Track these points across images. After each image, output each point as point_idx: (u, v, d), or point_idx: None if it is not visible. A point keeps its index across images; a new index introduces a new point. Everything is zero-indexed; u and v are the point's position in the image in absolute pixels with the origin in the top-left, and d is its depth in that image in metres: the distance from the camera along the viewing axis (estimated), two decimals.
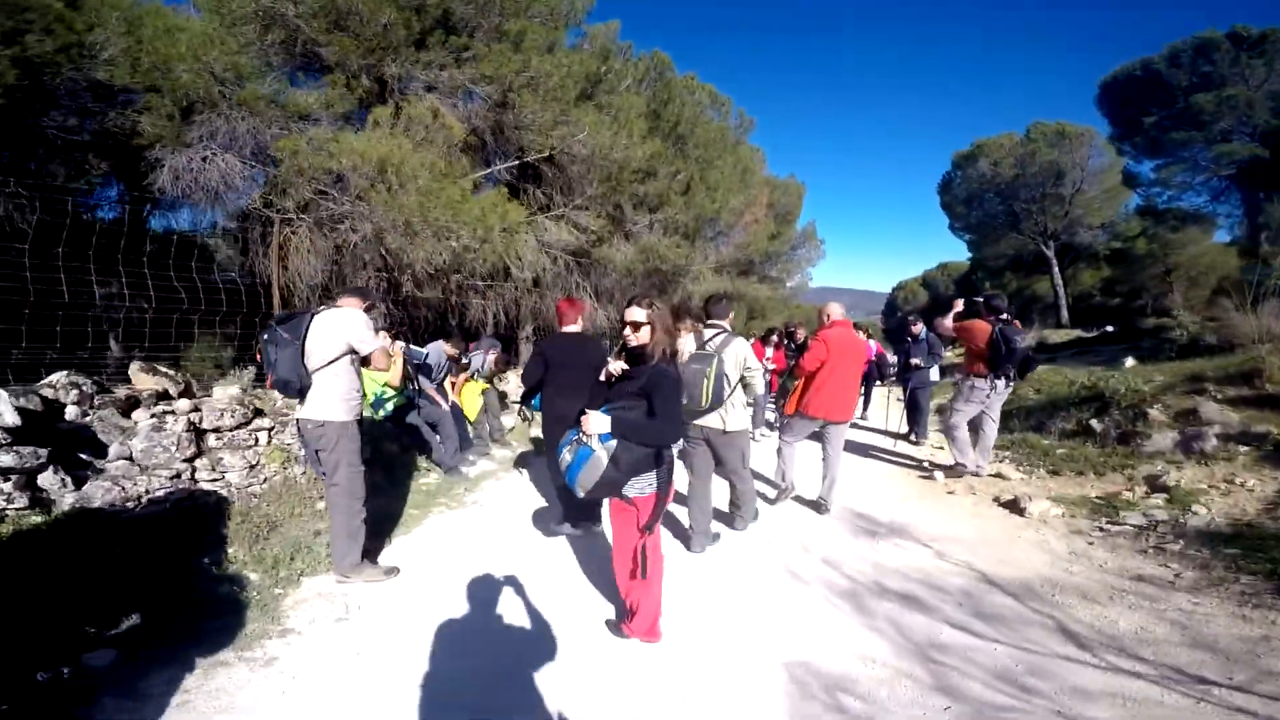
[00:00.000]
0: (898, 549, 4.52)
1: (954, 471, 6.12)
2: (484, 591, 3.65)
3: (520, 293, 11.96)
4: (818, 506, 5.26)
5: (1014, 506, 5.24)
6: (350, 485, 3.68)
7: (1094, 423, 6.76)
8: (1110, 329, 18.86)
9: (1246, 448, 5.57)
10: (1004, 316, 5.79)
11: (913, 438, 7.97)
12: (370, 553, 3.93)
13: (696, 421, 4.20)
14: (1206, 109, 18.16)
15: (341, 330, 3.63)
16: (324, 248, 9.08)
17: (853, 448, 5.15)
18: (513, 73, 9.57)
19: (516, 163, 11.98)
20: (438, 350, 6.56)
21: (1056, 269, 27.41)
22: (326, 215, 8.33)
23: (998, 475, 6.09)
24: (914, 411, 8.07)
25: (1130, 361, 9.45)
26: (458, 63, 9.99)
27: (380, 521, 4.48)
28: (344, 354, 3.65)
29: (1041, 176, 25.39)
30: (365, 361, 3.77)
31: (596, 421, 2.50)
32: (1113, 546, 4.45)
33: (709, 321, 4.40)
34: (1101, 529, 4.76)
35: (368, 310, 3.99)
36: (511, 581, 3.76)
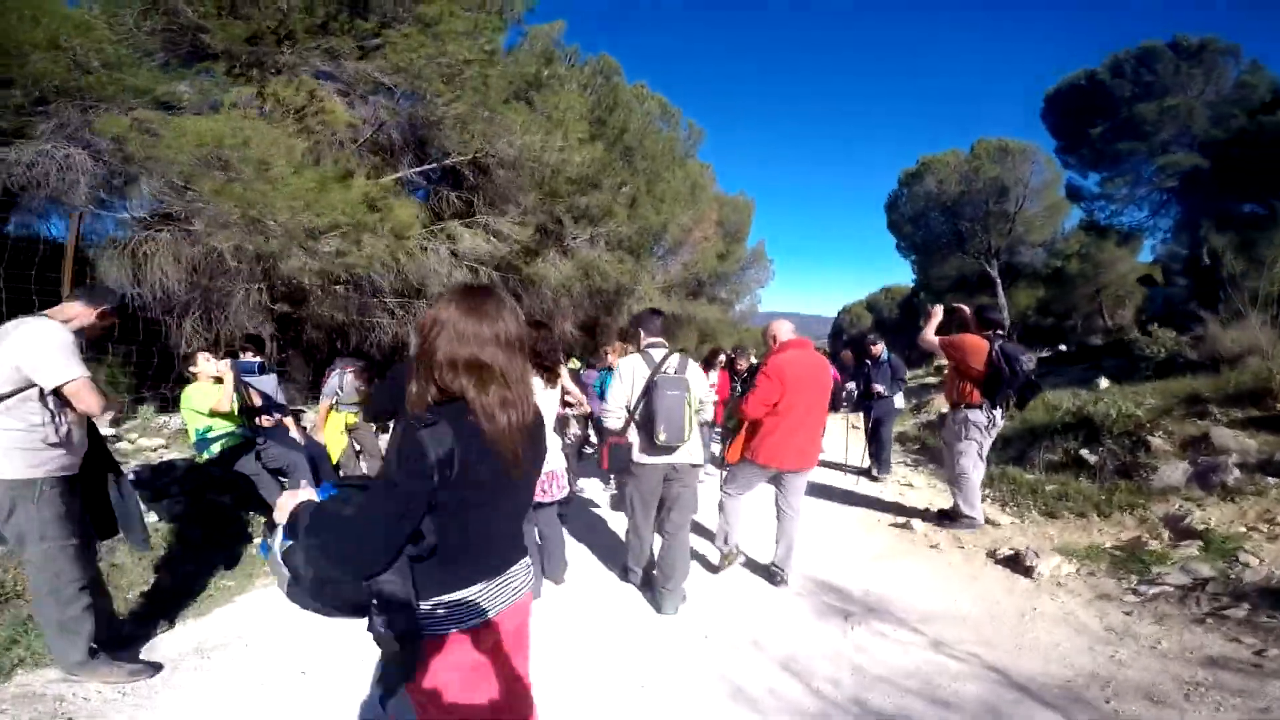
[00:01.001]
0: (881, 638, 3.34)
1: (957, 524, 5.00)
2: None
3: None
4: (772, 576, 4.02)
5: (1017, 564, 4.16)
6: (48, 564, 2.48)
7: (1085, 453, 5.78)
8: (1064, 348, 18.51)
9: (1275, 479, 4.66)
10: (1000, 332, 4.78)
11: (874, 473, 6.90)
12: (133, 640, 3.03)
13: (671, 459, 3.45)
14: (1149, 118, 18.21)
15: (12, 352, 2.29)
16: (189, 256, 7.58)
17: (809, 489, 4.15)
18: (424, 60, 8.34)
19: (435, 166, 10.72)
20: (345, 381, 5.23)
21: (1000, 289, 27.50)
22: (177, 215, 6.87)
23: (986, 520, 5.03)
24: (876, 444, 6.98)
25: (1105, 382, 8.67)
26: (364, 52, 8.74)
27: (176, 597, 3.51)
28: (20, 388, 2.31)
29: (985, 194, 25.38)
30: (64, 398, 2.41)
31: (289, 502, 1.31)
32: (1158, 616, 3.39)
33: (651, 341, 3.57)
34: (1135, 591, 3.70)
35: (100, 319, 2.65)
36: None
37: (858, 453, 7.18)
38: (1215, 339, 7.61)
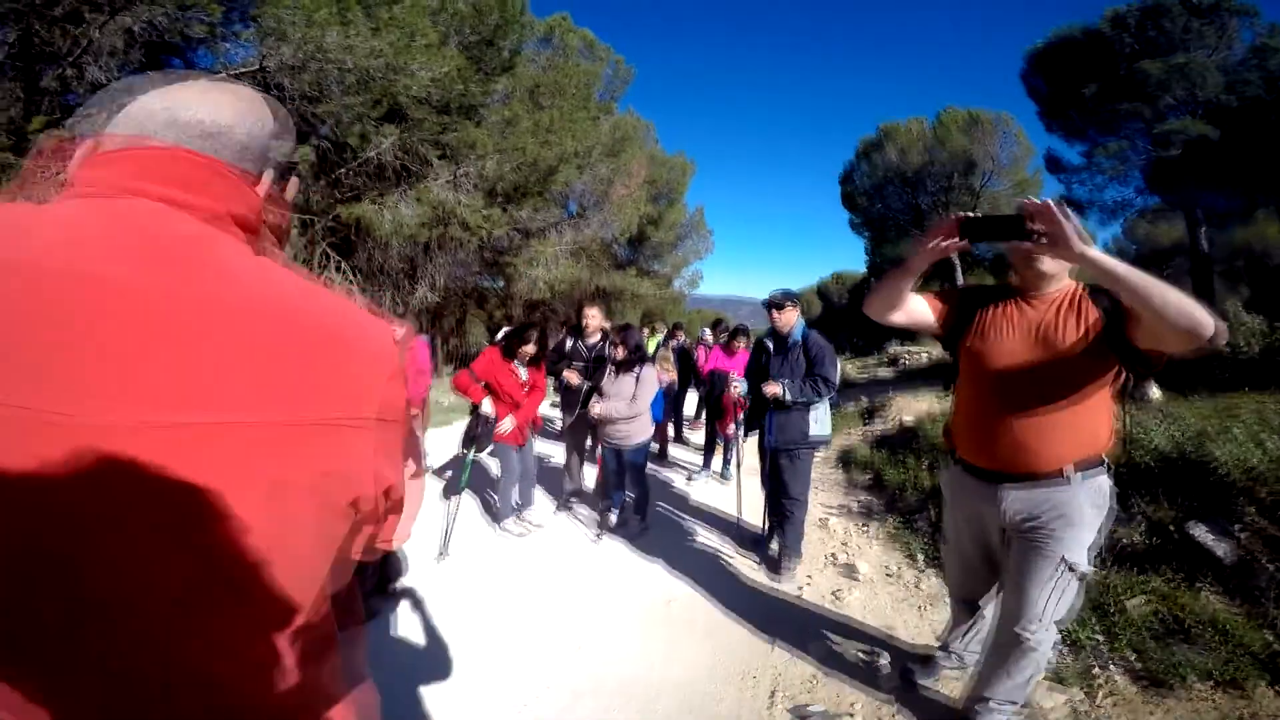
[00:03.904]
0: None
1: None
2: None
3: None
4: None
5: None
6: None
7: (1203, 535, 3.00)
8: None
9: None
10: None
11: (774, 552, 3.81)
12: None
13: None
14: (1154, 76, 15.82)
15: None
16: None
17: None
18: None
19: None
20: None
21: (960, 274, 25.52)
22: None
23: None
24: (777, 499, 3.73)
25: (1156, 392, 5.94)
26: None
27: None
28: None
29: (950, 166, 23.22)
30: None
31: None
32: None
33: None
34: None
35: None
36: None
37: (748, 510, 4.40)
38: None
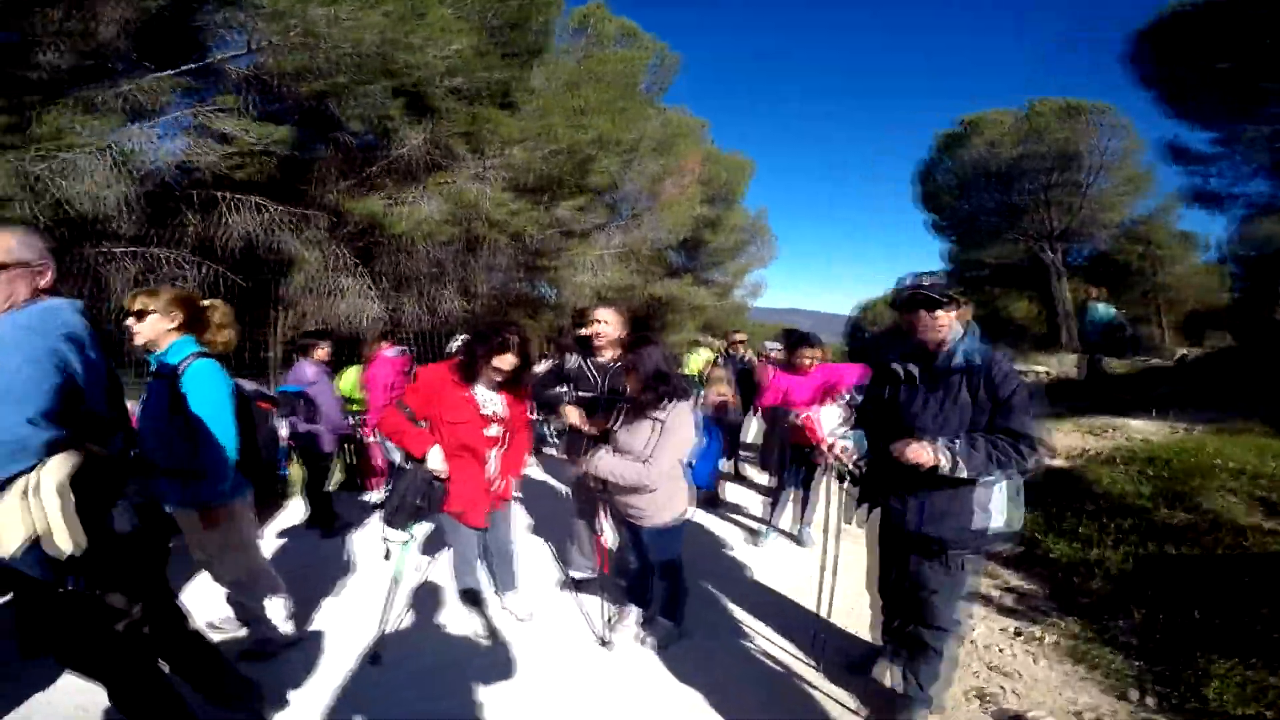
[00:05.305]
0: None
1: None
2: None
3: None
4: None
5: None
6: None
7: None
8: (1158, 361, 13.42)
9: None
10: None
11: (888, 682, 2.19)
12: None
13: None
14: None
15: None
16: None
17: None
18: None
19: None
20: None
21: (1061, 279, 22.53)
22: None
23: None
24: (905, 619, 2.21)
25: None
26: None
27: None
28: None
29: (1049, 161, 20.66)
30: None
31: None
32: None
33: None
34: None
35: None
36: None
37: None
38: None
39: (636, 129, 12.33)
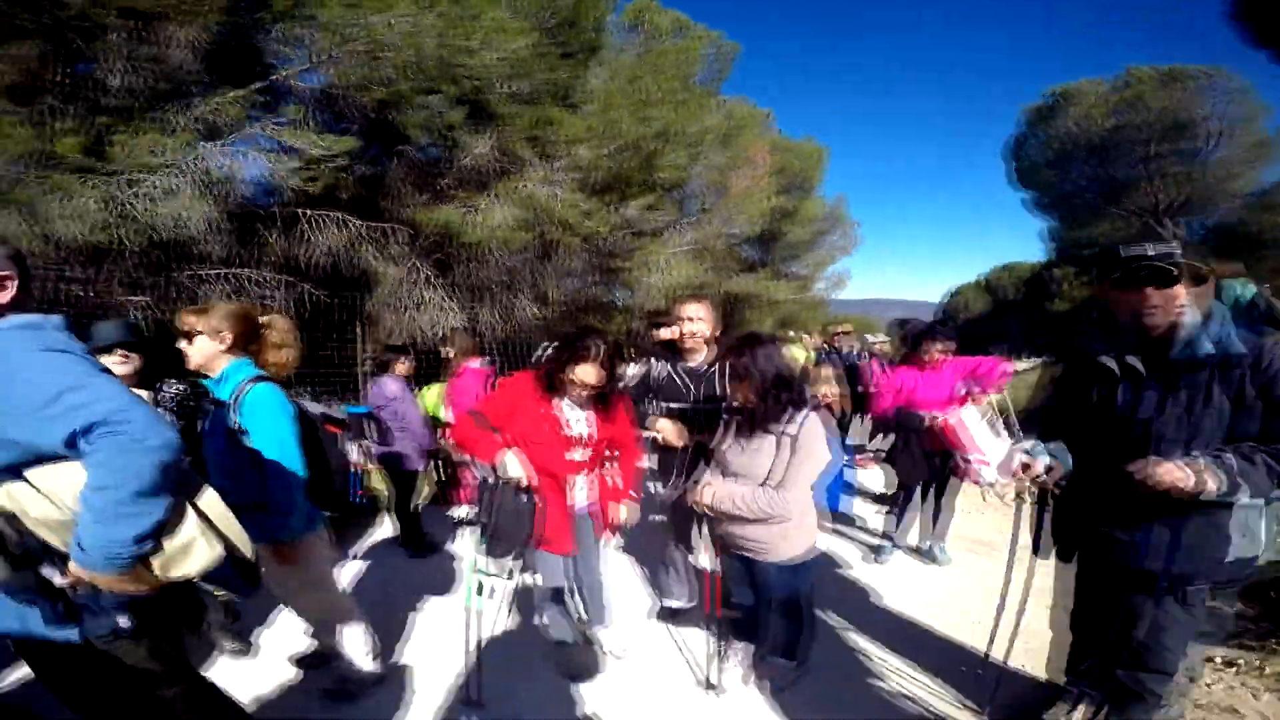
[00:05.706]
0: None
1: None
2: None
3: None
4: None
5: None
6: None
7: None
8: None
9: None
10: None
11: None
12: None
13: None
14: None
15: None
16: None
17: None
18: None
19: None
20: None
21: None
22: None
23: None
24: (1115, 662, 1.76)
25: None
26: None
27: None
28: None
29: (1149, 132, 18.91)
30: None
31: None
32: None
33: None
34: None
35: None
36: None
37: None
38: None
39: (699, 120, 11.95)
